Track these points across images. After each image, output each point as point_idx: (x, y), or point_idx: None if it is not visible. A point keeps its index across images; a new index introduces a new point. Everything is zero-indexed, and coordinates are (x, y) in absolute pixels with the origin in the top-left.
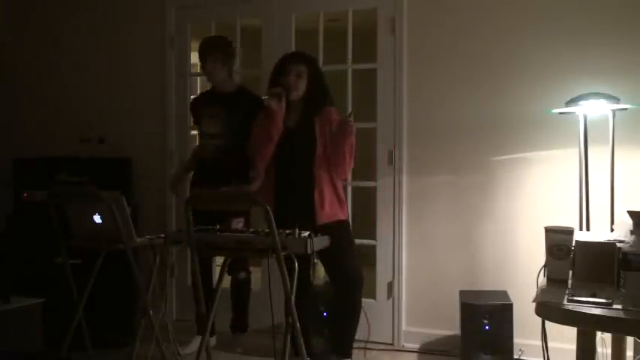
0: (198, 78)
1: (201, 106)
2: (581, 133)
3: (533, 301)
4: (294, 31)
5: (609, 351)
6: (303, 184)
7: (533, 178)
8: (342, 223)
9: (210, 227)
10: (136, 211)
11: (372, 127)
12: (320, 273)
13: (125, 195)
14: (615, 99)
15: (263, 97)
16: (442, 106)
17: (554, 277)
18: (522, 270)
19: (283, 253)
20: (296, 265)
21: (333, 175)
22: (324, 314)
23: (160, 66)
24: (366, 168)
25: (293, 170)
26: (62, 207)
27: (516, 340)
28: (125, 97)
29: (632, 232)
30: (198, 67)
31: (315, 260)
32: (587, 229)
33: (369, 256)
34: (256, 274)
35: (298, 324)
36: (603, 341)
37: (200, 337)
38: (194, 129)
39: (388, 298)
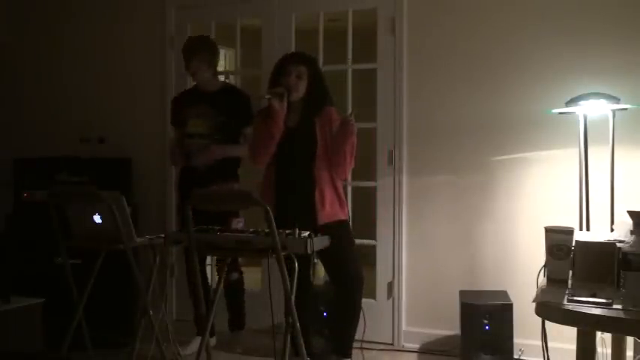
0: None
1: (185, 105)
2: (581, 133)
3: (533, 301)
4: (294, 31)
5: (609, 351)
6: (303, 184)
7: (533, 178)
8: (343, 223)
9: (210, 227)
10: (136, 211)
11: (372, 127)
12: (320, 273)
13: (125, 195)
14: (615, 99)
15: (266, 97)
16: (442, 106)
17: (554, 277)
18: (522, 270)
19: (283, 253)
20: (296, 265)
21: (333, 175)
22: (324, 314)
23: (159, 66)
24: (366, 168)
25: (293, 170)
26: (62, 207)
27: (516, 340)
28: (125, 97)
29: (632, 232)
30: None
31: (315, 260)
32: (587, 229)
33: (369, 256)
34: (256, 274)
35: (298, 324)
36: (603, 341)
37: (200, 337)
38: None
39: (388, 298)
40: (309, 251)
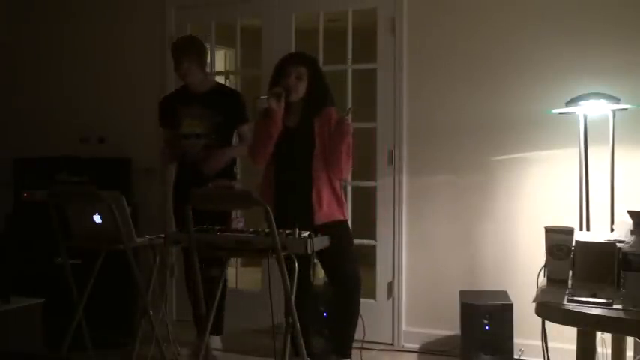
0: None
1: (177, 106)
2: (581, 133)
3: (533, 301)
4: (294, 31)
5: (609, 351)
6: (301, 185)
7: (533, 178)
8: (341, 224)
9: (210, 227)
10: (136, 211)
11: (372, 127)
12: (320, 273)
13: (125, 195)
14: (615, 99)
15: (262, 97)
16: (442, 106)
17: (554, 277)
18: (522, 270)
19: (283, 253)
20: (296, 265)
21: (331, 175)
22: (324, 314)
23: (159, 66)
24: (366, 168)
25: (292, 170)
26: (62, 207)
27: (516, 340)
28: (125, 97)
29: (632, 232)
30: None
31: (315, 260)
32: (587, 229)
33: (369, 256)
34: (256, 274)
35: (298, 324)
36: (603, 341)
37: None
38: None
39: (388, 298)
40: (309, 251)
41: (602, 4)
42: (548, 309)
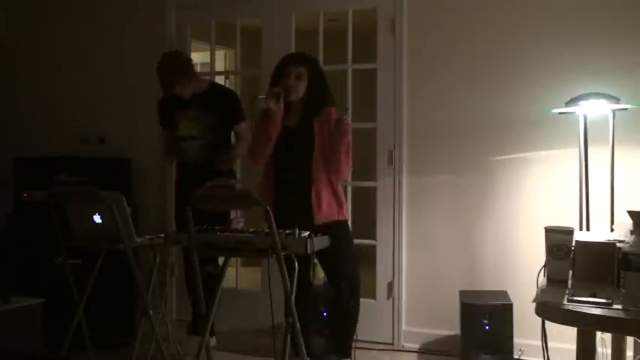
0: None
1: (174, 109)
2: (581, 133)
3: (533, 301)
4: (294, 31)
5: (609, 351)
6: (301, 185)
7: (533, 178)
8: (341, 224)
9: (210, 227)
10: (136, 211)
11: (372, 127)
12: (320, 273)
13: (125, 195)
14: (615, 99)
15: (260, 97)
16: (442, 106)
17: (554, 277)
18: (522, 270)
19: (283, 253)
20: (296, 265)
21: (330, 175)
22: (324, 314)
23: None
24: (366, 168)
25: (292, 171)
26: (62, 207)
27: (516, 340)
28: (125, 97)
29: (632, 232)
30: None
31: (315, 260)
32: (587, 229)
33: (369, 256)
34: (256, 274)
35: (298, 324)
36: (603, 341)
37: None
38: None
39: (388, 298)
40: (309, 251)
41: (602, 4)
42: (548, 309)
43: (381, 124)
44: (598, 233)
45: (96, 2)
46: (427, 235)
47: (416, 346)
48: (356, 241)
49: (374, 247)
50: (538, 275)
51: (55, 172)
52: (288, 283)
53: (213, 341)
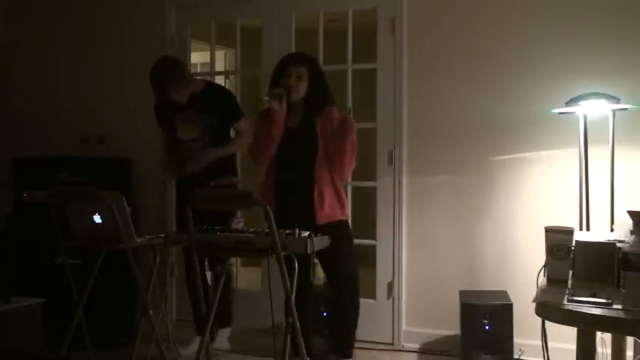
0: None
1: (171, 111)
2: (581, 133)
3: (533, 301)
4: (294, 31)
5: (609, 351)
6: (303, 185)
7: (533, 178)
8: (342, 224)
9: (210, 227)
10: (136, 211)
11: (372, 127)
12: (320, 273)
13: (125, 195)
14: (615, 99)
15: (265, 98)
16: (442, 106)
17: (554, 277)
18: (522, 270)
19: (283, 253)
20: (296, 265)
21: (334, 175)
22: (324, 314)
23: None
24: (366, 168)
25: (294, 171)
26: (62, 207)
27: (516, 340)
28: (125, 97)
29: (632, 232)
30: (199, 67)
31: (315, 260)
32: (587, 229)
33: (369, 256)
34: (256, 274)
35: (298, 324)
36: (603, 341)
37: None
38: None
39: (388, 298)
40: (309, 251)
41: (602, 4)
42: (548, 309)
43: (381, 124)
44: (598, 233)
45: (96, 2)
46: (427, 235)
47: (416, 346)
48: (356, 241)
49: (374, 247)
50: (538, 275)
51: (55, 172)
52: (288, 283)
53: (227, 333)
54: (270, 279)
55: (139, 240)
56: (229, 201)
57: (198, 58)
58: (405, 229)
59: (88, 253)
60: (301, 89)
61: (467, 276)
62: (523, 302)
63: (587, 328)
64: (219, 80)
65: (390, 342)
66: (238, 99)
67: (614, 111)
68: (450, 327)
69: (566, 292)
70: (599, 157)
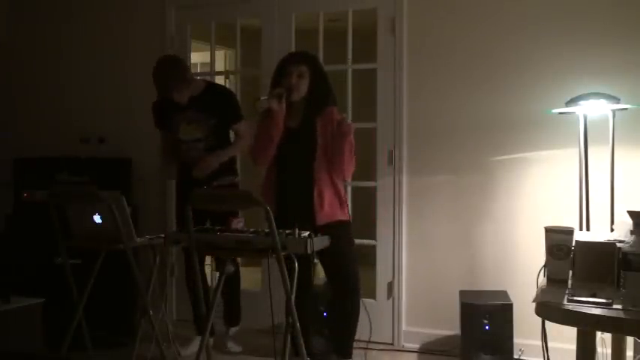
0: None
1: (171, 112)
2: (581, 133)
3: (533, 301)
4: (294, 31)
5: (609, 351)
6: (303, 185)
7: (533, 178)
8: (343, 224)
9: (210, 227)
10: (136, 212)
11: (372, 127)
12: (320, 273)
13: (125, 195)
14: (615, 99)
15: (263, 98)
16: (442, 106)
17: (554, 277)
18: (522, 270)
19: (283, 253)
20: (296, 265)
21: (334, 176)
22: (324, 314)
23: None
24: (366, 168)
25: (294, 171)
26: (62, 207)
27: (516, 340)
28: (125, 97)
29: (632, 232)
30: (199, 67)
31: (315, 260)
32: (587, 229)
33: (369, 256)
34: (256, 274)
35: (298, 324)
36: (603, 341)
37: (199, 337)
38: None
39: (388, 298)
40: (309, 251)
41: (602, 4)
42: (548, 309)
43: (381, 124)
44: (598, 233)
45: (96, 2)
46: (427, 235)
47: (416, 346)
48: (356, 241)
49: (374, 247)
50: (538, 275)
51: (55, 172)
52: (288, 283)
53: (232, 331)
54: (270, 279)
55: (139, 240)
56: (229, 201)
57: (198, 58)
58: (405, 229)
59: (88, 253)
60: (302, 88)
61: (467, 276)
62: (523, 302)
63: (587, 328)
64: (219, 80)
65: (390, 342)
66: (238, 99)
67: (614, 111)
68: (450, 327)
69: (566, 292)
70: (599, 157)
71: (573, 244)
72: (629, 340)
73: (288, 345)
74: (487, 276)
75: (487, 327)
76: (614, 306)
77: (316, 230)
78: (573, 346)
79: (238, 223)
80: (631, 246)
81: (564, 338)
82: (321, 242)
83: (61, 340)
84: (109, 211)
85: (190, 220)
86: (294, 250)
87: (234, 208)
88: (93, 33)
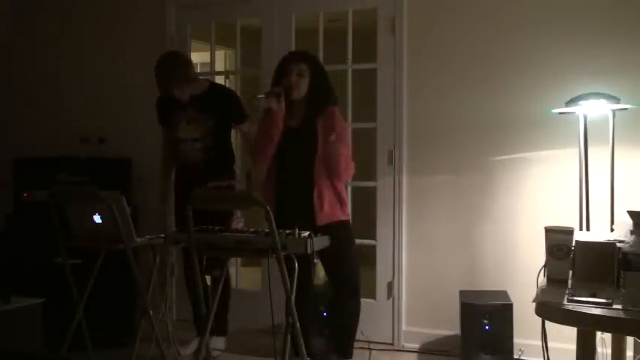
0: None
1: (172, 109)
2: (581, 133)
3: (533, 301)
4: (294, 31)
5: (609, 351)
6: (303, 185)
7: (533, 178)
8: (343, 224)
9: (210, 227)
10: (136, 212)
11: (372, 127)
12: (320, 273)
13: (125, 195)
14: (615, 99)
15: (260, 96)
16: (442, 106)
17: (554, 277)
18: (522, 270)
19: (283, 253)
20: (296, 265)
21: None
22: (324, 314)
23: None
24: (366, 168)
25: (294, 171)
26: (62, 207)
27: (516, 340)
28: (125, 97)
29: (632, 232)
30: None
31: (315, 260)
32: (587, 229)
33: (369, 256)
34: (256, 274)
35: (298, 324)
36: (603, 341)
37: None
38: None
39: (388, 298)
40: (309, 251)
41: (602, 4)
42: (548, 309)
43: (381, 124)
44: (598, 233)
45: (96, 2)
46: (427, 235)
47: (416, 346)
48: (356, 241)
49: (374, 247)
50: (538, 275)
51: (55, 172)
52: (288, 283)
53: (222, 342)
54: (270, 279)
55: (139, 240)
56: (229, 201)
57: (198, 58)
58: (405, 229)
59: (88, 253)
60: (302, 87)
61: (467, 276)
62: (523, 302)
63: (587, 328)
64: (219, 80)
65: (390, 342)
66: None
67: (614, 111)
68: (450, 327)
69: (566, 292)
70: (599, 157)
71: (573, 244)
72: (629, 340)
73: (288, 345)
74: (487, 276)
75: (487, 327)
76: (614, 306)
77: (316, 230)
78: (573, 346)
79: (238, 223)
80: (631, 246)
81: (564, 338)
82: (321, 242)
83: (61, 340)
84: (109, 211)
85: (190, 220)
86: (294, 250)
87: (234, 208)
88: (93, 33)
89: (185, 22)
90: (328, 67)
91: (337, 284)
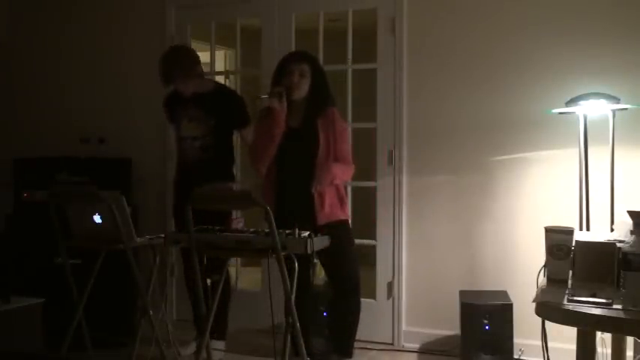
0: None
1: (176, 107)
2: (581, 133)
3: (533, 301)
4: (294, 31)
5: (609, 351)
6: (303, 185)
7: (533, 178)
8: (343, 223)
9: (210, 227)
10: (136, 212)
11: (372, 127)
12: (320, 273)
13: (125, 195)
14: (615, 99)
15: (262, 96)
16: (442, 106)
17: (554, 277)
18: (522, 270)
19: (283, 253)
20: (296, 265)
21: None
22: (324, 314)
23: None
24: (366, 168)
25: (294, 171)
26: (62, 207)
27: (516, 340)
28: (125, 97)
29: (632, 232)
30: None
31: (315, 260)
32: (587, 229)
33: (369, 256)
34: (256, 274)
35: (298, 324)
36: (603, 341)
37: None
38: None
39: (388, 298)
40: (309, 251)
41: (602, 4)
42: (548, 309)
43: (381, 124)
44: (598, 233)
45: (96, 2)
46: (427, 235)
47: (416, 346)
48: (356, 241)
49: (374, 247)
50: (538, 275)
51: (55, 172)
52: (288, 283)
53: (221, 347)
54: (270, 279)
55: (139, 240)
56: (229, 201)
57: None
58: (405, 229)
59: (88, 253)
60: (303, 87)
61: (467, 276)
62: (523, 302)
63: (587, 328)
64: (219, 80)
65: (390, 342)
66: None
67: (614, 111)
68: (450, 327)
69: (566, 292)
70: (599, 157)
71: (573, 244)
72: (629, 340)
73: (288, 345)
74: (487, 276)
75: (487, 327)
76: (614, 306)
77: (316, 230)
78: (573, 346)
79: (238, 223)
80: (631, 246)
81: (564, 338)
82: (321, 242)
83: (61, 340)
84: (109, 211)
85: (190, 220)
86: (294, 250)
87: (234, 208)
88: (93, 33)
89: (185, 22)
90: (328, 67)
91: (337, 284)
